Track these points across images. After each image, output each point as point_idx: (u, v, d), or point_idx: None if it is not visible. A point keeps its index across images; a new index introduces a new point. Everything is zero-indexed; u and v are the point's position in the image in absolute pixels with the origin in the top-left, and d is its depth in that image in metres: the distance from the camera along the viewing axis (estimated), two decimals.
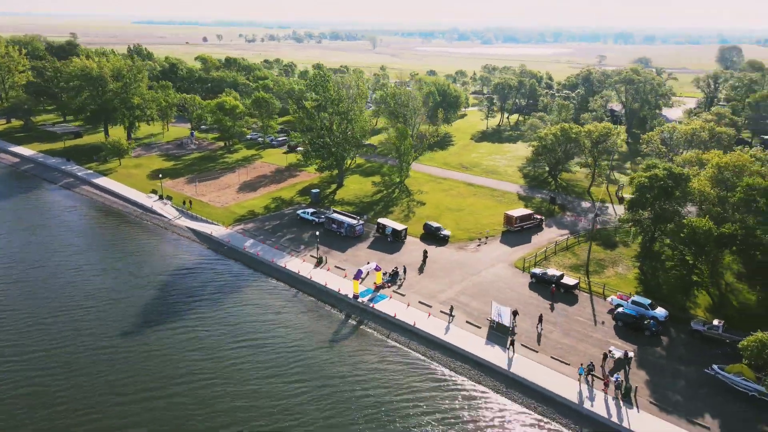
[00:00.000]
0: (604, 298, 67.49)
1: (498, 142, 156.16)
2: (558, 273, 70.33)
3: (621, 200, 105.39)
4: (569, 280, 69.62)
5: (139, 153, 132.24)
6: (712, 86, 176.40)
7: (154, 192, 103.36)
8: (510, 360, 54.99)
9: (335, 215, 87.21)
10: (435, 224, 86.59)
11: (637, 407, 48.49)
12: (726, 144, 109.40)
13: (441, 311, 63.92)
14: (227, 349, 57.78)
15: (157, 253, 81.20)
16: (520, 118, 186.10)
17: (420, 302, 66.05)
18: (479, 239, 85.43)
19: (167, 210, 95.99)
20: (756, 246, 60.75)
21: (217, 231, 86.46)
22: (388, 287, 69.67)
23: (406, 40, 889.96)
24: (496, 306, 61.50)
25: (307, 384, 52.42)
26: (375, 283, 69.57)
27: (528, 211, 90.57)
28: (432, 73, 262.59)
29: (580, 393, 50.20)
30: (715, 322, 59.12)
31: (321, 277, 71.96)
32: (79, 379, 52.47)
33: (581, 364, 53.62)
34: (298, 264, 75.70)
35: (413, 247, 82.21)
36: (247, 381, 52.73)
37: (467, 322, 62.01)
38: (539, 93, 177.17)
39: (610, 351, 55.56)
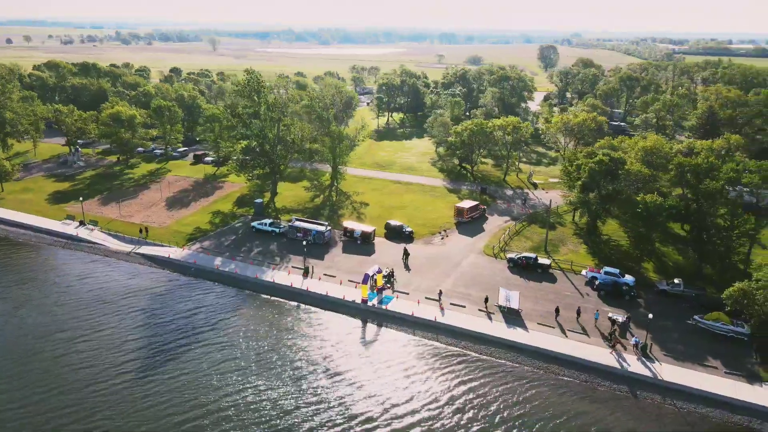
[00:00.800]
0: (575, 273, 75.88)
1: (396, 139, 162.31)
2: (532, 256, 77.32)
3: (535, 186, 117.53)
4: (544, 261, 77.02)
5: (18, 176, 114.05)
6: (564, 81, 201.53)
7: (71, 218, 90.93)
8: (539, 339, 59.99)
9: (299, 223, 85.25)
10: (397, 223, 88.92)
11: (658, 361, 56.48)
12: (606, 131, 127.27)
13: (451, 303, 66.96)
14: (258, 365, 55.04)
15: (116, 283, 72.24)
16: (405, 116, 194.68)
17: (427, 298, 68.32)
18: (440, 233, 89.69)
19: (97, 236, 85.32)
20: (693, 215, 73.10)
21: (175, 253, 79.41)
22: (387, 288, 70.75)
23: (241, 40, 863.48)
24: (504, 291, 66.25)
25: (364, 387, 52.17)
26: (376, 285, 70.04)
27: (474, 203, 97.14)
28: (300, 74, 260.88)
29: (612, 358, 56.86)
30: (676, 281, 70.37)
31: (318, 286, 70.52)
32: (131, 417, 46.46)
33: (596, 311, 63.47)
34: (286, 276, 73.17)
35: (384, 247, 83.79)
36: (305, 392, 51.23)
37: (479, 310, 65.86)
38: (422, 92, 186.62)
39: (610, 317, 63.42)
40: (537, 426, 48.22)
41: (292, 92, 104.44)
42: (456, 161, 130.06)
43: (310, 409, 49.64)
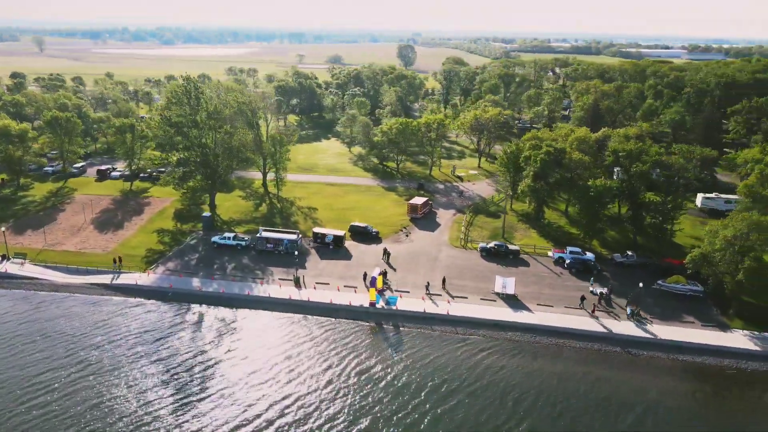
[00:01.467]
0: (539, 256, 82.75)
1: (301, 141, 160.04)
2: (502, 243, 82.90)
3: (460, 178, 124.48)
4: (514, 247, 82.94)
5: None
6: (448, 79, 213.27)
7: None
8: (548, 318, 65.16)
9: (267, 234, 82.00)
10: (362, 224, 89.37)
11: (649, 323, 64.59)
12: (510, 125, 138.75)
13: (455, 296, 69.71)
14: (290, 374, 53.72)
15: (84, 317, 63.71)
16: (300, 118, 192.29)
17: (428, 293, 70.29)
18: (402, 230, 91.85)
19: (32, 270, 74.08)
20: (633, 195, 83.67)
21: (141, 279, 71.97)
22: (387, 289, 71.39)
23: (70, 40, 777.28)
24: (500, 279, 70.60)
25: (408, 383, 53.05)
26: (377, 287, 70.27)
27: (425, 199, 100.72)
28: (171, 78, 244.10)
29: (611, 326, 63.74)
30: (629, 252, 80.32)
31: (319, 296, 68.98)
32: None
33: (591, 279, 72.08)
34: (279, 289, 70.33)
35: (357, 249, 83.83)
36: (374, 401, 50.54)
37: (482, 299, 69.51)
38: (319, 94, 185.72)
39: (592, 291, 70.89)
40: (573, 392, 53.07)
41: (225, 97, 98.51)
42: (375, 160, 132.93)
43: (360, 407, 49.38)
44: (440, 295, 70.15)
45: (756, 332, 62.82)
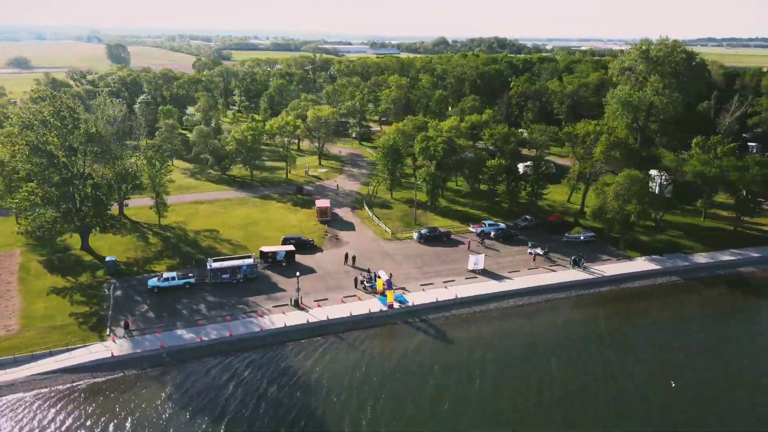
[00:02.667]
0: (462, 233, 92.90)
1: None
2: (434, 228, 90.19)
3: (318, 178, 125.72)
4: (444, 230, 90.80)
5: None
6: (226, 80, 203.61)
7: None
8: (529, 281, 75.62)
9: (220, 264, 72.63)
10: (293, 235, 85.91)
11: (586, 267, 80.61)
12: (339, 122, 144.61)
13: (443, 282, 74.61)
14: (397, 395, 53.11)
15: (86, 415, 48.43)
16: None
17: (422, 285, 73.66)
18: (326, 234, 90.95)
19: None
20: (510, 172, 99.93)
21: (117, 348, 56.86)
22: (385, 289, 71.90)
23: None
24: (472, 257, 78.20)
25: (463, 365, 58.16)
26: (377, 290, 70.39)
27: (328, 200, 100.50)
28: None
29: (563, 277, 77.57)
30: (528, 217, 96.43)
31: (338, 311, 65.83)
32: None
33: (528, 242, 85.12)
34: (287, 317, 64.43)
35: (310, 260, 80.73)
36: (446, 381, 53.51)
37: (466, 278, 76.08)
38: (94, 105, 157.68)
39: (530, 252, 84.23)
40: (576, 331, 65.71)
41: (107, 111, 78.18)
42: (214, 171, 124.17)
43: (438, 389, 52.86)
44: (432, 283, 74.26)
45: (648, 257, 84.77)
